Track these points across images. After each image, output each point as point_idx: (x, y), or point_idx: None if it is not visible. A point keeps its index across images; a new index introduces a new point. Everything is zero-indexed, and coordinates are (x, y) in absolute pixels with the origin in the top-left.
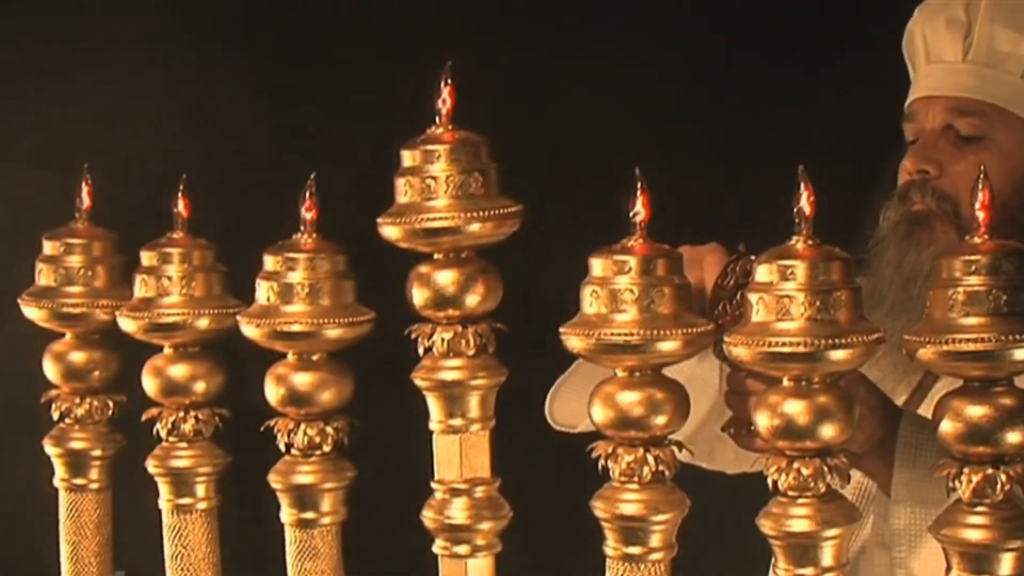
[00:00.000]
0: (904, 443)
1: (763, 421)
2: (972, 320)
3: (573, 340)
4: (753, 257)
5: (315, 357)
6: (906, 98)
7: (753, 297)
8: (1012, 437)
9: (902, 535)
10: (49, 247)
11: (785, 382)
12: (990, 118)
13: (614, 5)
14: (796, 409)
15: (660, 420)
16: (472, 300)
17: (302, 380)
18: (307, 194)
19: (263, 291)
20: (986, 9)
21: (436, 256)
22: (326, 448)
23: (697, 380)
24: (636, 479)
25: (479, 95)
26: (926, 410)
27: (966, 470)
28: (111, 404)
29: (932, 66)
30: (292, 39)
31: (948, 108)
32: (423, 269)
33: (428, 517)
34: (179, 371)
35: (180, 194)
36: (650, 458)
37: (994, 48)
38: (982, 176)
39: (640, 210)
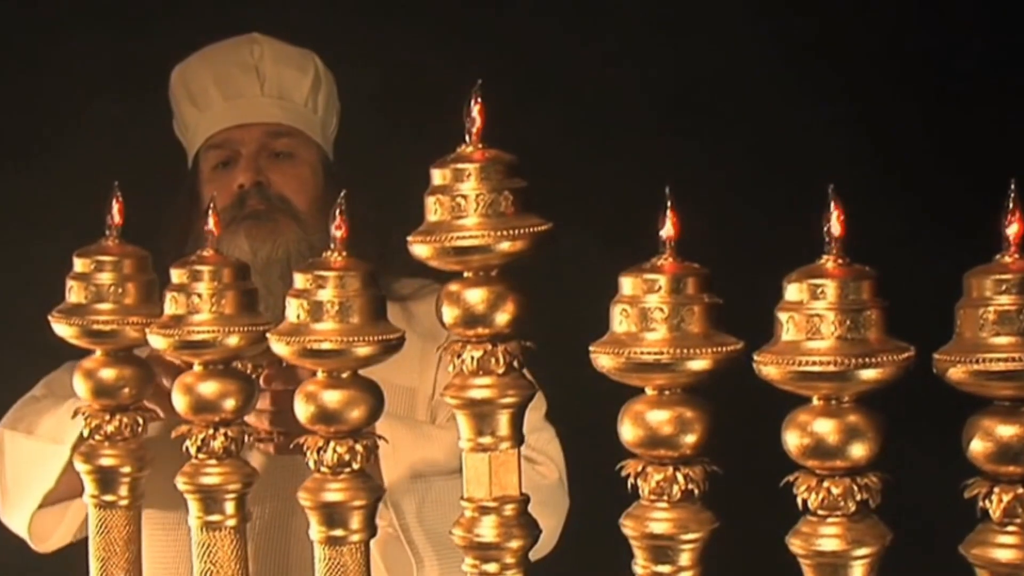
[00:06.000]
0: None
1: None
2: (1002, 339)
3: (603, 358)
4: None
5: (344, 375)
6: None
7: (783, 316)
8: None
9: None
10: (80, 264)
11: (815, 401)
12: (296, 138)
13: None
14: (826, 428)
15: (690, 439)
16: (502, 318)
17: (332, 398)
18: (337, 212)
19: (293, 309)
20: (268, 54)
21: (466, 274)
22: (355, 465)
23: None
24: (666, 497)
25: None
26: None
27: (996, 490)
28: (140, 421)
29: (232, 101)
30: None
31: (264, 132)
32: (453, 287)
33: (457, 535)
34: (209, 388)
35: (209, 212)
36: (680, 476)
37: (282, 84)
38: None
39: (670, 228)
